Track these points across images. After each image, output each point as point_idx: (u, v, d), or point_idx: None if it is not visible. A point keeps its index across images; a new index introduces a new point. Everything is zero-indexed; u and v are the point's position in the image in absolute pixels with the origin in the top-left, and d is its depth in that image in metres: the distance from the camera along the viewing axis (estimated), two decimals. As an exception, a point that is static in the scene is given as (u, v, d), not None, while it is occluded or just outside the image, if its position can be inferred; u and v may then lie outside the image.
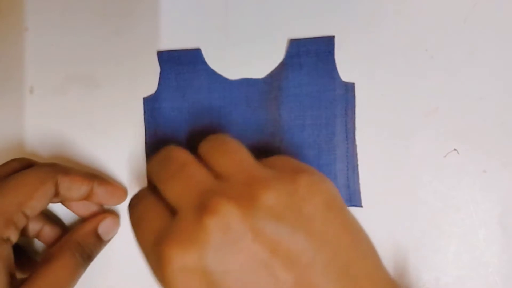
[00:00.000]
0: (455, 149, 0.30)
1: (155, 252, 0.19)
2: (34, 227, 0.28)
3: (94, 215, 0.28)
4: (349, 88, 0.29)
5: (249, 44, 0.30)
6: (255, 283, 0.18)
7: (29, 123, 0.30)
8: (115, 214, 0.29)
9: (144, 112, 0.30)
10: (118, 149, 0.30)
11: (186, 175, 0.21)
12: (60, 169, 0.27)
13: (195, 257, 0.18)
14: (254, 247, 0.18)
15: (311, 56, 0.29)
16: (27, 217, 0.25)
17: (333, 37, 0.29)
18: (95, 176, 0.28)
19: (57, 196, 0.27)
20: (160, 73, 0.30)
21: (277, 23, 0.30)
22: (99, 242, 0.28)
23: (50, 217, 0.30)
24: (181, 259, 0.18)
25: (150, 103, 0.30)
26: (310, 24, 0.30)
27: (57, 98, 0.30)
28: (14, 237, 0.25)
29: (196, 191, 0.20)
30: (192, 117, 0.30)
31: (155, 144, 0.30)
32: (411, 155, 0.30)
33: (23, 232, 0.28)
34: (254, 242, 0.18)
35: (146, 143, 0.30)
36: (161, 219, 0.21)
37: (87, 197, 0.28)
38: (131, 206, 0.23)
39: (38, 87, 0.30)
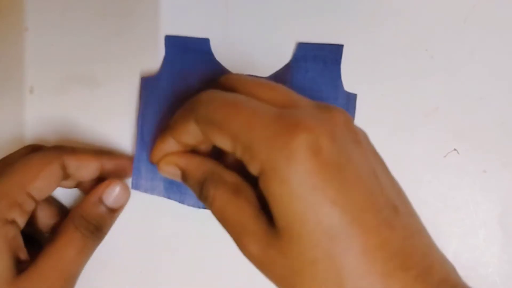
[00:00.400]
0: (455, 149, 0.29)
1: (283, 118, 0.19)
2: (48, 221, 0.28)
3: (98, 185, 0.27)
4: (351, 98, 0.29)
5: (252, 44, 0.30)
6: (366, 179, 0.19)
7: (29, 123, 0.30)
8: (121, 181, 0.27)
9: (141, 90, 0.29)
10: (118, 149, 0.30)
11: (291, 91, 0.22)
12: (66, 150, 0.26)
13: (325, 138, 0.19)
14: (368, 152, 0.21)
15: (318, 62, 0.29)
16: (34, 199, 0.24)
17: (342, 46, 0.29)
18: (103, 152, 0.27)
19: (67, 178, 0.26)
20: (164, 57, 0.30)
21: (280, 21, 0.30)
22: (108, 212, 0.26)
23: (66, 212, 0.29)
24: (312, 136, 0.18)
25: (149, 83, 0.29)
26: (312, 24, 0.30)
27: (57, 98, 0.30)
28: (20, 220, 0.24)
29: (308, 100, 0.22)
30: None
31: (146, 125, 0.29)
32: (411, 155, 0.30)
33: (37, 224, 0.27)
34: (367, 149, 0.21)
35: (138, 120, 0.29)
36: (268, 106, 0.20)
37: (99, 175, 0.27)
38: (212, 94, 0.22)
39: (38, 87, 0.30)
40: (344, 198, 0.18)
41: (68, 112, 0.30)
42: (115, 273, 0.30)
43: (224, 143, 0.21)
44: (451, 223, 0.29)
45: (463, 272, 0.29)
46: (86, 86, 0.30)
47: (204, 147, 0.25)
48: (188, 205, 0.28)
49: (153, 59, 0.30)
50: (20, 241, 0.24)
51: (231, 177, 0.22)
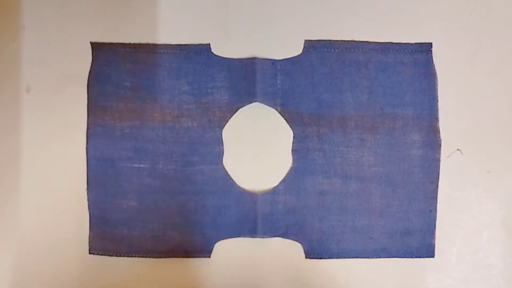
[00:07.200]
0: (458, 149, 0.29)
1: None
2: None
3: None
4: None
5: (252, 42, 0.30)
6: None
7: (26, 123, 0.30)
8: None
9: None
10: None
11: None
12: None
13: None
14: None
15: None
16: None
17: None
18: None
19: None
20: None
21: (279, 20, 0.30)
22: None
23: None
24: None
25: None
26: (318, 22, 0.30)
27: (53, 97, 0.30)
28: None
29: None
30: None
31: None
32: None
33: None
34: None
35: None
36: None
37: None
38: None
39: (34, 86, 0.30)
40: None
41: (64, 111, 0.30)
42: None
43: None
44: (455, 224, 0.29)
45: (467, 274, 0.29)
46: (83, 85, 0.30)
47: None
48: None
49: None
50: None
51: None
